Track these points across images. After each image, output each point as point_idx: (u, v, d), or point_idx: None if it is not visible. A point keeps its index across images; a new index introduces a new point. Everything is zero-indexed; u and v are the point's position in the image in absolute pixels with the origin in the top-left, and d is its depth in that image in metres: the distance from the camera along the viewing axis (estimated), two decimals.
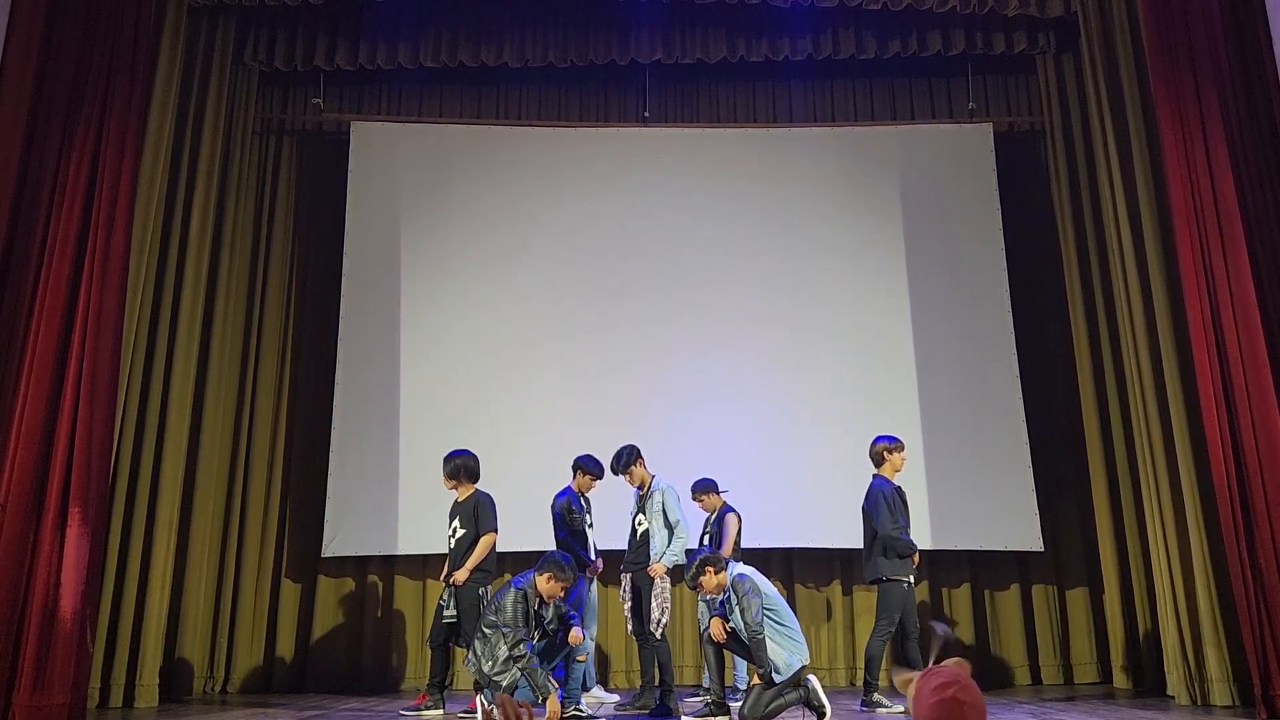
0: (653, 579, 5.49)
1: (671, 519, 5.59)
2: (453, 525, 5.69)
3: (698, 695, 5.93)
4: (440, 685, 5.59)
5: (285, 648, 7.27)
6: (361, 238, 7.81)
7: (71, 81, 5.67)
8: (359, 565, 7.43)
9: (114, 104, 5.72)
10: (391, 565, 7.45)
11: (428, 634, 6.18)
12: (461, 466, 5.73)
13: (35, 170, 5.49)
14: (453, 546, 5.62)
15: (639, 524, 5.73)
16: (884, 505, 5.76)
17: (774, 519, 7.08)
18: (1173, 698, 5.85)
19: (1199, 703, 5.56)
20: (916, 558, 5.82)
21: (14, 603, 4.90)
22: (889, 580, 5.71)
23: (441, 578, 5.72)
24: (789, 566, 7.49)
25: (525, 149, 8.04)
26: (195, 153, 6.96)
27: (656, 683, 5.48)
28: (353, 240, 7.78)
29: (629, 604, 5.69)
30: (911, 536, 5.81)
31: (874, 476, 5.94)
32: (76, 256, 5.43)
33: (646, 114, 8.19)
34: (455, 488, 5.75)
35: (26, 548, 4.99)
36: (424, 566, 7.36)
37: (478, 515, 5.59)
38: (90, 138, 5.62)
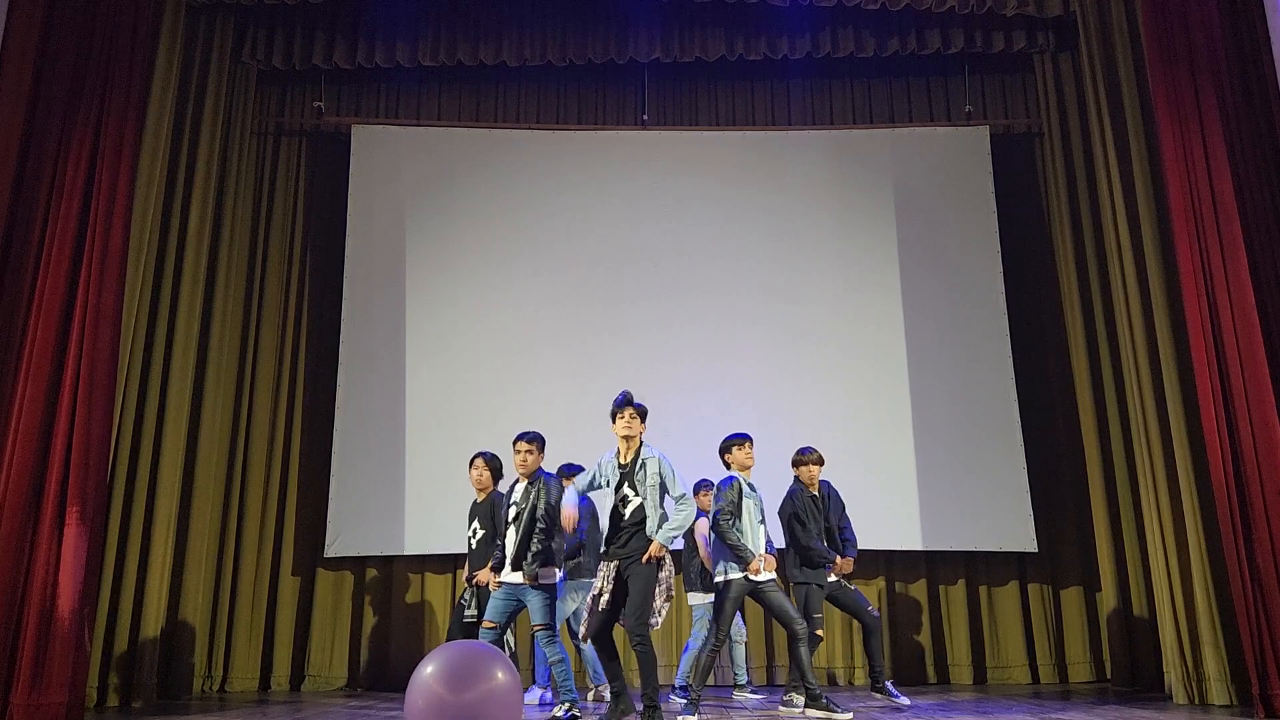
0: (653, 561, 4.64)
1: (676, 492, 4.76)
2: (472, 526, 5.71)
3: (682, 693, 5.90)
4: None
5: (284, 647, 7.26)
6: (363, 239, 7.82)
7: (70, 79, 5.67)
8: (358, 564, 7.42)
9: (112, 101, 5.72)
10: (390, 563, 7.43)
11: (444, 632, 6.17)
12: (496, 468, 5.76)
13: (34, 168, 5.49)
14: (474, 548, 5.64)
15: (626, 500, 4.81)
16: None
17: (770, 520, 7.06)
18: (1170, 697, 5.86)
19: (1196, 702, 5.58)
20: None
21: (12, 601, 4.90)
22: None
23: (464, 578, 5.74)
24: None
25: (526, 152, 8.04)
26: (194, 150, 6.94)
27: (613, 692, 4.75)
28: (354, 241, 7.79)
29: (606, 597, 4.74)
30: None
31: (795, 479, 5.87)
32: (75, 255, 5.43)
33: (645, 116, 8.19)
34: (485, 489, 5.74)
35: (24, 546, 4.99)
36: (422, 564, 7.36)
37: (494, 515, 5.61)
38: (88, 135, 5.61)
